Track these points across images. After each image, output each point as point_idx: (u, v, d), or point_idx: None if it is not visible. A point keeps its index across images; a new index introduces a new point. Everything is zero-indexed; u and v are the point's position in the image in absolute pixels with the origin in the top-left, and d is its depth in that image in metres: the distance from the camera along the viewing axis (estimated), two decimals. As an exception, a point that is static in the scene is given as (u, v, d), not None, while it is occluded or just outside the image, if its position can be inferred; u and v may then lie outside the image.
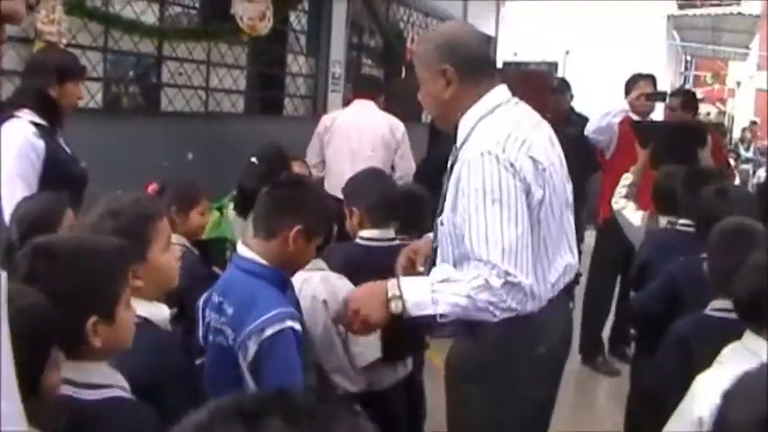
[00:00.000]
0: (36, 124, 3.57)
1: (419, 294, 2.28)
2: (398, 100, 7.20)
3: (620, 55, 14.90)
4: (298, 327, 2.29)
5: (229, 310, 2.33)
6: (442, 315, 2.27)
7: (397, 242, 3.34)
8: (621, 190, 4.32)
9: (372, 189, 3.36)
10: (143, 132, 5.98)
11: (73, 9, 5.15)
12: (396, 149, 5.80)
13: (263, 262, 2.39)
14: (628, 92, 5.74)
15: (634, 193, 4.30)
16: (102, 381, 1.73)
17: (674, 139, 4.52)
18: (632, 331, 5.44)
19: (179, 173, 4.95)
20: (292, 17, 7.94)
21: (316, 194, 2.54)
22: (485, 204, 2.24)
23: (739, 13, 17.05)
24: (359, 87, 6.32)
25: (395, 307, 2.28)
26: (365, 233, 3.28)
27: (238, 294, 2.36)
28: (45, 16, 4.89)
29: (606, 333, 6.09)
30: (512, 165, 2.25)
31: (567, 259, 2.50)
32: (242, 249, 2.45)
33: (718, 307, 2.70)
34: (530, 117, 2.49)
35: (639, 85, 5.72)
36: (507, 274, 2.22)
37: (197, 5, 6.67)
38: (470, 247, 2.27)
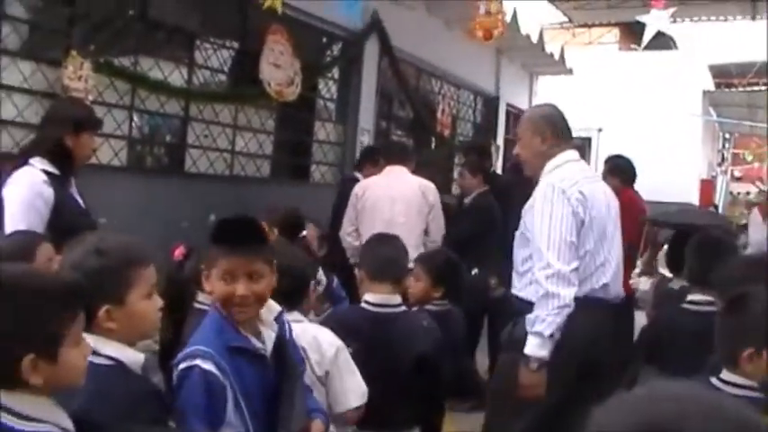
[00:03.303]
0: (48, 173, 3.56)
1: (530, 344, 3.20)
2: (428, 171, 7.17)
3: (655, 131, 14.83)
4: (207, 366, 2.20)
5: None
6: (551, 335, 3.17)
7: (403, 309, 3.31)
8: (636, 270, 4.68)
9: (374, 249, 3.45)
10: (166, 192, 6.00)
11: (101, 67, 5.23)
12: (428, 212, 5.69)
13: (212, 302, 2.39)
14: None
15: (648, 271, 4.60)
16: (38, 415, 1.66)
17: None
18: None
19: (200, 234, 4.92)
20: (321, 85, 8.04)
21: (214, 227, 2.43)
22: (542, 218, 3.31)
23: (775, 90, 16.96)
24: (389, 153, 6.18)
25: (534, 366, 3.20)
26: (370, 297, 3.28)
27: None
28: (72, 72, 4.97)
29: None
30: (563, 192, 3.32)
31: (598, 264, 3.37)
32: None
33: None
34: (587, 172, 3.60)
35: None
36: (548, 265, 3.22)
37: (225, 69, 6.75)
38: (536, 245, 3.30)
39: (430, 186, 5.78)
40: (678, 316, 3.41)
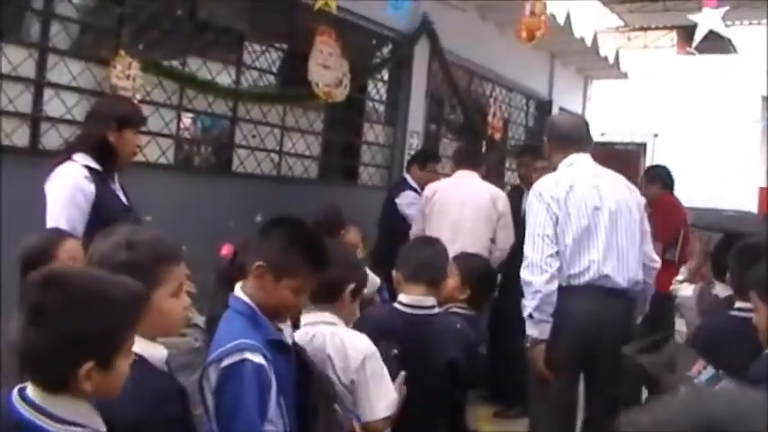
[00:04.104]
0: (90, 168, 3.58)
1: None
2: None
3: (712, 137, 14.50)
4: (257, 359, 2.20)
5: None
6: (530, 316, 3.81)
7: (436, 312, 3.27)
8: (679, 278, 4.56)
9: (412, 251, 3.44)
10: (213, 191, 6.03)
11: (149, 66, 5.28)
12: (497, 220, 5.62)
13: (240, 295, 2.36)
14: None
15: (691, 279, 4.48)
16: (78, 420, 1.65)
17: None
18: None
19: (246, 234, 4.92)
20: (371, 86, 8.01)
21: (291, 234, 2.42)
22: (526, 219, 4.01)
23: (836, 94, 16.39)
24: (460, 158, 6.18)
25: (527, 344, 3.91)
26: (403, 297, 3.25)
27: (218, 330, 2.34)
28: (120, 71, 5.02)
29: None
30: (540, 194, 3.92)
31: (592, 257, 3.81)
32: (236, 289, 2.40)
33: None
34: (580, 173, 3.99)
35: None
36: (525, 257, 3.85)
37: (273, 70, 6.76)
38: None
39: (500, 194, 5.75)
40: (726, 324, 3.29)
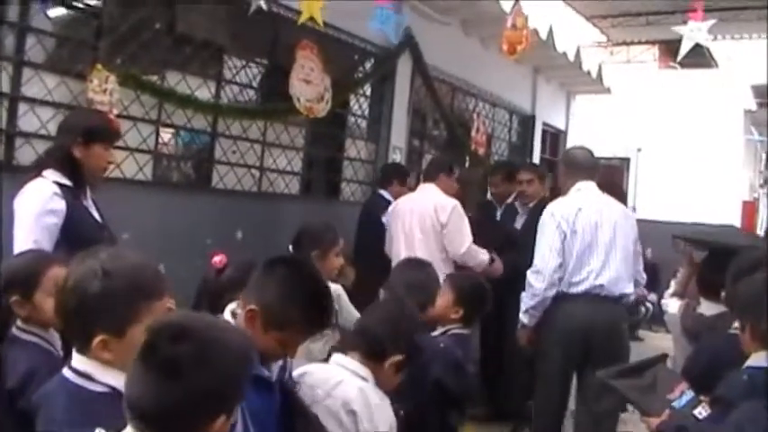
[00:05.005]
0: (61, 185, 3.47)
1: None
2: (462, 189, 7.02)
3: (695, 151, 14.53)
4: None
5: None
6: (525, 312, 4.63)
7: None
8: (669, 291, 4.51)
9: (402, 273, 3.47)
10: (192, 208, 5.92)
11: (127, 80, 5.17)
12: (441, 231, 5.44)
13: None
14: None
15: (680, 292, 4.35)
16: None
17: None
18: None
19: (226, 251, 4.82)
20: (353, 101, 7.94)
21: (292, 282, 2.25)
22: (540, 233, 4.61)
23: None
24: (426, 170, 6.11)
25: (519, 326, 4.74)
26: None
27: None
28: (97, 85, 4.92)
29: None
30: (552, 214, 4.58)
31: (591, 267, 4.48)
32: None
33: None
34: (586, 197, 4.64)
35: None
36: (534, 264, 4.54)
37: (254, 84, 6.67)
38: None
39: (445, 205, 5.49)
40: (725, 343, 3.17)
